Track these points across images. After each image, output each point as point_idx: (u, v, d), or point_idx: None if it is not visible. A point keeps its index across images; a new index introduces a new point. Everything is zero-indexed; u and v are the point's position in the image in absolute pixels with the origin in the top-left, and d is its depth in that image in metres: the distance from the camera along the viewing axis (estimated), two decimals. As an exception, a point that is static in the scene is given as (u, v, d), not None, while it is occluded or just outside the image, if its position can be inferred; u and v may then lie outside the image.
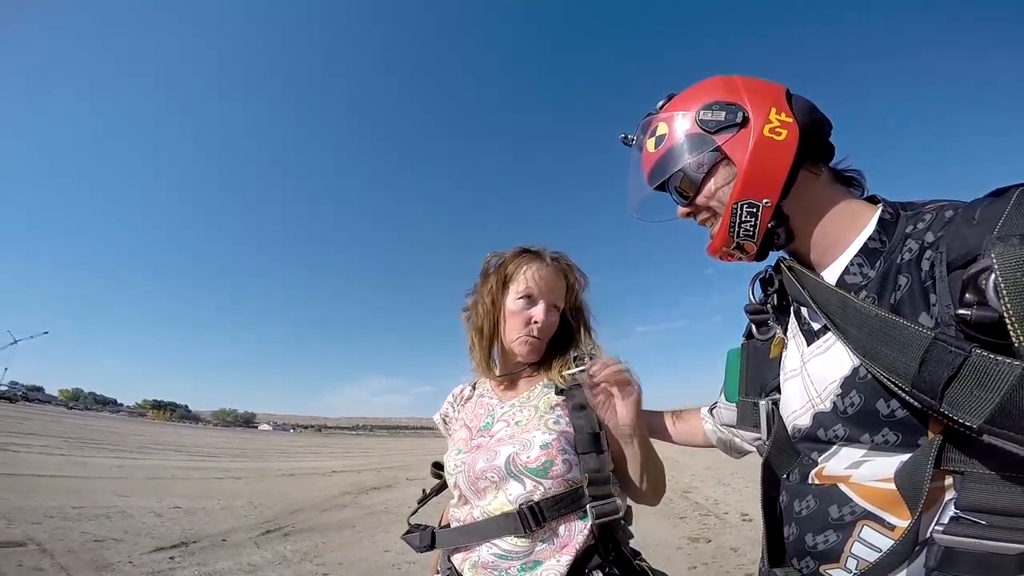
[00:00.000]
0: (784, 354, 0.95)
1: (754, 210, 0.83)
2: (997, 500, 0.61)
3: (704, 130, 0.86)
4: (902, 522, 0.68)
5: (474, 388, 1.36)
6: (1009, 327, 0.54)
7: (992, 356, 0.55)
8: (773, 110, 0.82)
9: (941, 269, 0.66)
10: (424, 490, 1.35)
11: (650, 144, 0.94)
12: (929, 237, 0.71)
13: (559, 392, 1.16)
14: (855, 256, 0.80)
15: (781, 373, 0.94)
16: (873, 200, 0.86)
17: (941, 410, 0.59)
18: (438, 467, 1.30)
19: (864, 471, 0.73)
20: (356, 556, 5.07)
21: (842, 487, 0.75)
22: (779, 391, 0.94)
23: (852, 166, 0.89)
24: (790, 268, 0.89)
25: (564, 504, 1.02)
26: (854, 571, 0.72)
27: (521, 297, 1.21)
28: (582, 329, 1.29)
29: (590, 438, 1.07)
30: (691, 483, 10.24)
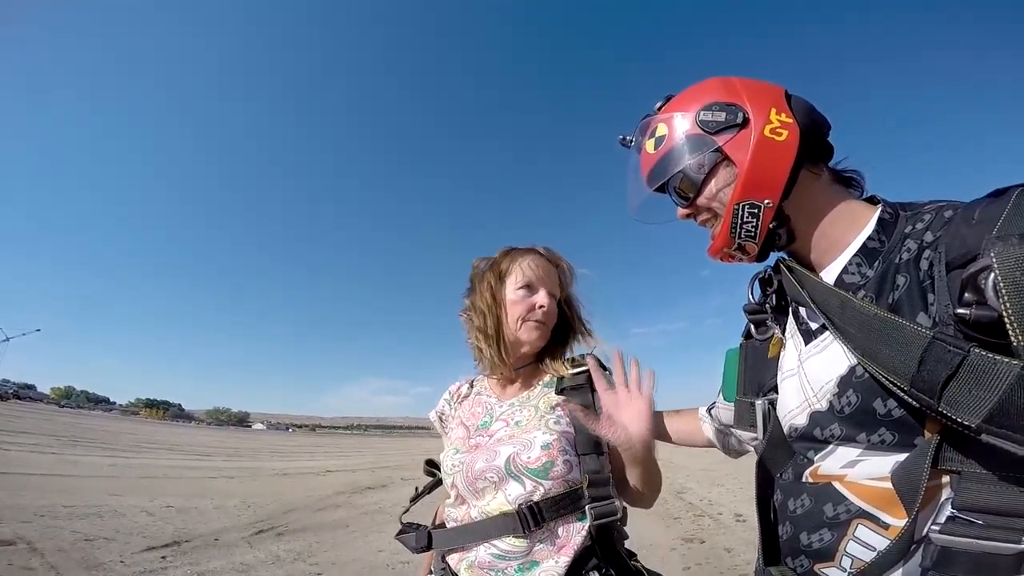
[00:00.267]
0: (782, 354, 0.95)
1: (756, 211, 0.83)
2: (994, 500, 0.61)
3: (704, 131, 0.85)
4: (897, 521, 0.68)
5: (471, 386, 1.35)
6: (1008, 326, 0.54)
7: (990, 355, 0.55)
8: (773, 111, 0.82)
9: (940, 269, 0.66)
10: (417, 488, 1.34)
11: (649, 145, 0.94)
12: (928, 237, 0.71)
13: (559, 392, 1.16)
14: (854, 256, 0.80)
15: (779, 373, 0.94)
16: (873, 200, 0.86)
17: (939, 409, 0.59)
18: (432, 465, 1.30)
19: (860, 470, 0.73)
20: (350, 556, 5.06)
21: (837, 486, 0.75)
22: (777, 391, 0.94)
23: (851, 166, 0.89)
24: (790, 268, 0.89)
25: (563, 505, 1.02)
26: (849, 570, 0.72)
27: (521, 287, 1.21)
28: (576, 320, 1.30)
29: (590, 439, 1.07)
30: (685, 484, 10.27)
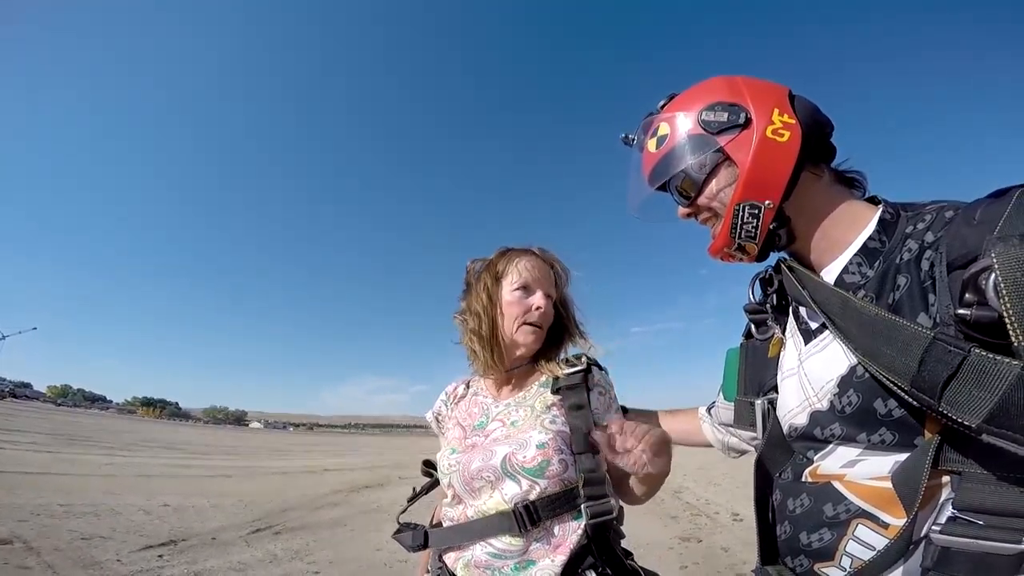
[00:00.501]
0: (782, 353, 0.95)
1: (756, 211, 0.83)
2: (994, 500, 0.61)
3: (706, 131, 0.85)
4: (897, 521, 0.68)
5: (468, 386, 1.35)
6: (1008, 327, 0.54)
7: (991, 356, 0.55)
8: (776, 111, 0.82)
9: (941, 269, 0.66)
10: (414, 488, 1.34)
11: (651, 144, 0.94)
12: (929, 237, 0.71)
13: (555, 391, 1.16)
14: (855, 256, 0.80)
15: (779, 372, 0.94)
16: (874, 201, 0.86)
17: (940, 409, 0.59)
18: (429, 465, 1.30)
19: (859, 470, 0.73)
20: (347, 555, 5.05)
21: (836, 485, 0.75)
22: (777, 390, 0.94)
23: (853, 167, 0.89)
24: (790, 268, 0.89)
25: (559, 504, 1.02)
26: (848, 569, 0.72)
27: (517, 288, 1.21)
28: (570, 321, 1.30)
29: (586, 438, 1.07)
30: (683, 483, 10.28)
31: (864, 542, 0.71)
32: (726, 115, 0.84)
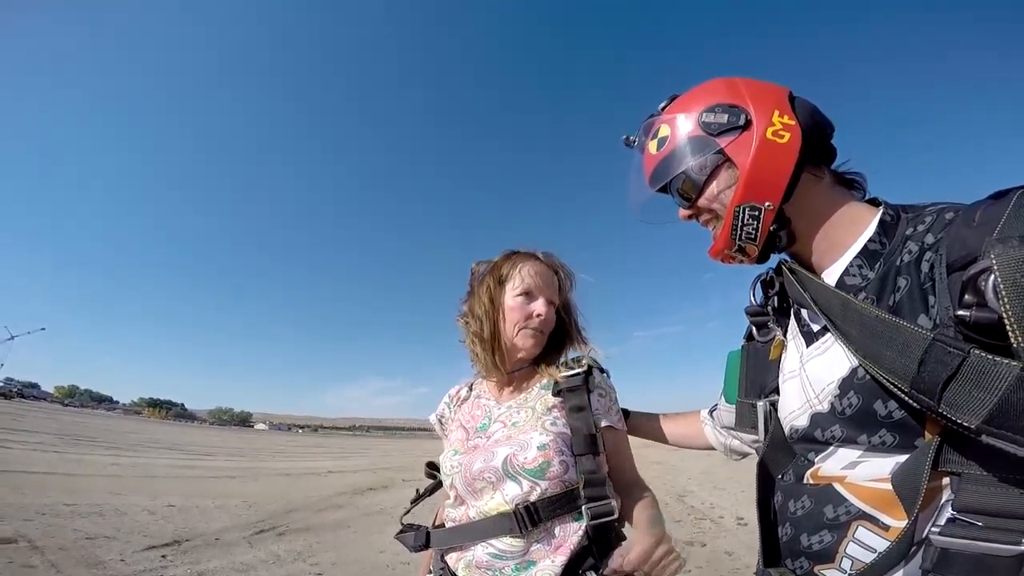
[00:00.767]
0: (784, 356, 0.95)
1: (756, 213, 0.83)
2: (994, 501, 0.61)
3: (707, 132, 0.85)
4: (897, 523, 0.68)
5: (471, 389, 1.36)
6: (1008, 328, 0.54)
7: (990, 357, 0.55)
8: (776, 112, 0.82)
9: (941, 271, 0.66)
10: (417, 490, 1.34)
11: (652, 146, 0.94)
12: (929, 239, 0.71)
13: (556, 393, 1.16)
14: (855, 258, 0.80)
15: (780, 374, 0.94)
16: (874, 202, 0.86)
17: (939, 410, 0.59)
18: (432, 467, 1.30)
19: (860, 471, 0.73)
20: (351, 556, 5.06)
21: (837, 487, 0.75)
22: (778, 393, 0.94)
23: (853, 168, 0.89)
24: (791, 270, 0.89)
25: (560, 505, 1.03)
26: (849, 571, 0.72)
27: (520, 294, 1.22)
28: (572, 327, 1.30)
29: (586, 439, 1.07)
30: (687, 487, 10.24)
31: (864, 544, 0.71)
32: (726, 117, 0.84)
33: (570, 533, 1.02)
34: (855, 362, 0.73)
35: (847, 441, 0.75)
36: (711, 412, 1.26)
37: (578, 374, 1.17)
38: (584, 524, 1.01)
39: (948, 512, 0.64)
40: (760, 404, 0.97)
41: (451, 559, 1.10)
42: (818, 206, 0.85)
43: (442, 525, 1.19)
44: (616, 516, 1.05)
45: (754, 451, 1.07)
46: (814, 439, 0.80)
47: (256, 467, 15.33)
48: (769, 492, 0.90)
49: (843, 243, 0.82)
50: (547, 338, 1.26)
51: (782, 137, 0.81)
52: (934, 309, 0.66)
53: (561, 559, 0.99)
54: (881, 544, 0.69)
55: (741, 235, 0.86)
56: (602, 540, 1.03)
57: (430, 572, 1.18)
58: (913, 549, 0.66)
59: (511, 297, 1.22)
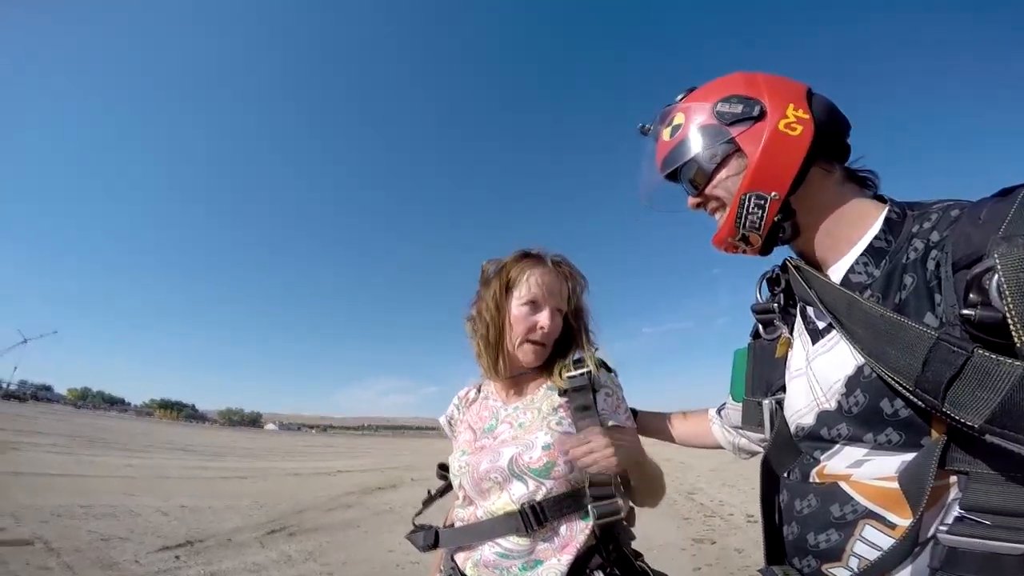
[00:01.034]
0: (790, 353, 0.95)
1: (762, 202, 0.83)
2: (1001, 500, 0.61)
3: (720, 121, 0.86)
4: (904, 521, 0.68)
5: (479, 391, 1.37)
6: (1012, 327, 0.54)
7: (994, 356, 0.55)
8: (791, 106, 0.82)
9: (947, 269, 0.66)
10: (429, 491, 1.36)
11: (666, 133, 0.95)
12: (935, 236, 0.71)
13: (562, 394, 1.17)
14: (860, 255, 0.80)
15: (787, 372, 0.94)
16: (881, 199, 0.86)
17: (943, 410, 0.59)
18: (444, 469, 1.31)
19: (866, 470, 0.73)
20: (360, 556, 5.09)
21: (843, 486, 0.75)
22: (785, 391, 0.94)
23: (867, 166, 0.89)
24: (797, 268, 0.89)
25: (566, 504, 1.03)
26: (856, 570, 0.72)
27: (525, 303, 1.21)
28: (582, 331, 1.29)
29: None
30: (696, 484, 10.20)
31: (871, 543, 0.71)
32: (740, 107, 0.84)
33: (576, 532, 1.03)
34: (861, 360, 0.73)
35: (853, 439, 0.75)
36: (719, 411, 1.25)
37: (582, 374, 1.17)
38: (591, 523, 1.02)
39: (956, 511, 0.64)
40: (766, 402, 0.97)
41: (459, 558, 1.11)
42: (825, 200, 0.85)
43: (452, 525, 1.20)
44: (623, 515, 1.05)
45: (762, 450, 1.07)
46: (820, 437, 0.80)
47: (266, 467, 15.42)
48: (774, 490, 0.90)
49: (848, 239, 0.82)
50: (551, 347, 1.25)
51: (794, 130, 0.81)
52: (940, 307, 0.66)
53: (567, 558, 1.00)
54: (888, 543, 0.69)
55: (745, 223, 0.86)
56: (609, 540, 1.04)
57: (440, 571, 1.19)
58: (920, 548, 0.66)
59: (516, 306, 1.21)
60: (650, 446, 1.26)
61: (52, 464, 9.76)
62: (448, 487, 1.31)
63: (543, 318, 1.21)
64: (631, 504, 1.15)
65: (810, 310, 0.89)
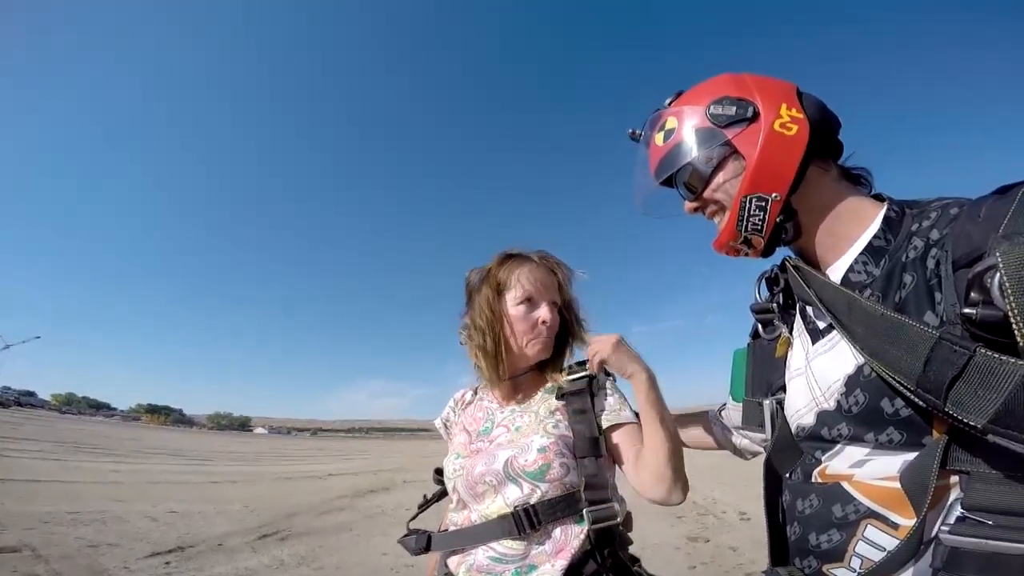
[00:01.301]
0: (790, 353, 0.94)
1: (763, 204, 0.83)
2: (1004, 500, 0.61)
3: (714, 124, 0.85)
4: (906, 521, 0.67)
5: (475, 393, 1.36)
6: (1014, 326, 0.54)
7: (996, 356, 0.54)
8: (784, 106, 0.82)
9: (947, 267, 0.66)
10: (425, 495, 1.34)
11: (658, 138, 0.94)
12: (934, 235, 0.71)
13: (559, 397, 1.16)
14: (860, 254, 0.80)
15: (786, 372, 0.94)
16: (879, 198, 0.86)
17: (945, 410, 0.59)
18: (440, 473, 1.30)
19: (868, 470, 0.73)
20: (353, 560, 5.05)
21: (845, 486, 0.75)
22: (785, 391, 0.93)
23: (858, 164, 0.89)
24: (796, 267, 0.89)
25: (560, 508, 1.02)
26: (858, 570, 0.72)
27: (521, 302, 1.20)
28: (575, 324, 1.29)
29: (588, 442, 1.07)
30: (690, 482, 10.25)
31: (874, 543, 0.71)
32: (734, 109, 0.84)
33: (571, 537, 1.01)
34: (861, 360, 0.73)
35: (854, 439, 0.75)
36: (720, 411, 1.25)
37: (582, 377, 1.16)
38: (586, 528, 1.00)
39: (957, 511, 0.64)
40: (767, 402, 0.97)
41: (452, 562, 1.09)
42: (824, 199, 0.85)
43: (446, 529, 1.18)
44: (619, 520, 1.03)
45: (763, 450, 1.06)
46: (821, 437, 0.80)
47: (257, 471, 15.30)
48: (776, 491, 0.90)
49: (848, 238, 0.82)
50: (554, 340, 1.24)
51: (790, 129, 0.81)
52: (940, 306, 0.66)
53: (562, 563, 0.98)
54: (890, 543, 0.68)
55: (747, 226, 0.86)
56: (605, 545, 1.02)
57: (435, 575, 1.18)
58: (922, 548, 0.66)
59: (513, 307, 1.20)
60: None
61: (38, 470, 9.61)
62: (444, 492, 1.29)
63: (543, 313, 1.20)
64: (629, 508, 1.13)
65: (810, 310, 0.89)
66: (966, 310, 0.59)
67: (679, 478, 1.03)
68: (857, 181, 0.89)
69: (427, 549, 1.16)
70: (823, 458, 0.80)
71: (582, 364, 1.21)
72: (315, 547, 5.50)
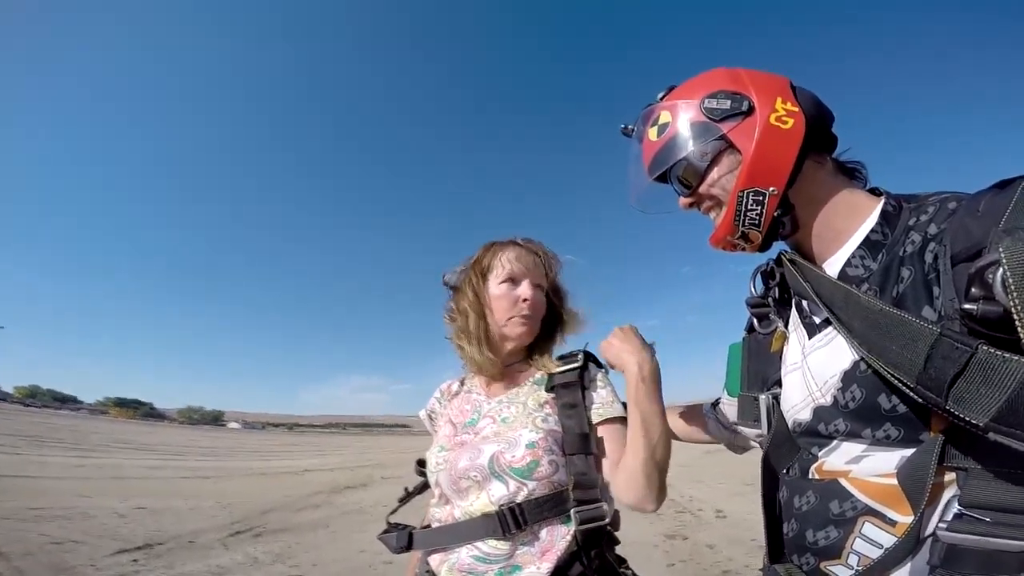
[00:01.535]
0: (786, 348, 0.94)
1: (760, 198, 0.82)
2: (1001, 497, 0.60)
3: (709, 118, 0.84)
4: (904, 518, 0.67)
5: (462, 384, 1.33)
6: (1017, 322, 0.53)
7: (999, 353, 0.53)
8: (779, 99, 0.81)
9: (945, 262, 0.65)
10: (406, 488, 1.31)
11: (652, 133, 0.92)
12: (932, 229, 0.70)
13: (549, 389, 1.14)
14: (857, 248, 0.79)
15: (782, 367, 0.93)
16: (876, 192, 0.86)
17: (947, 407, 0.58)
18: (422, 464, 1.27)
19: (865, 466, 0.73)
20: (330, 557, 4.99)
21: (842, 482, 0.74)
22: (781, 385, 0.93)
23: (853, 158, 0.89)
24: (792, 261, 0.88)
25: (547, 507, 0.99)
26: (855, 567, 0.71)
27: (504, 281, 1.19)
28: (563, 309, 1.28)
29: (578, 439, 1.04)
30: (668, 480, 10.38)
31: (871, 540, 0.70)
32: (729, 103, 0.83)
33: (558, 538, 0.99)
34: (858, 355, 0.72)
35: (851, 435, 0.74)
36: (714, 406, 1.25)
37: (573, 369, 1.14)
38: (573, 529, 0.98)
39: (955, 508, 0.64)
40: (763, 397, 0.96)
41: (434, 561, 1.06)
42: (821, 193, 0.84)
43: (428, 525, 1.15)
44: (607, 521, 1.01)
45: (758, 445, 1.06)
46: (817, 433, 0.79)
47: (230, 467, 15.05)
48: (774, 487, 0.89)
49: (845, 232, 0.82)
50: (539, 324, 1.22)
51: (785, 123, 0.80)
52: (939, 301, 0.65)
53: (547, 565, 0.96)
54: (888, 540, 0.68)
55: (744, 221, 0.85)
56: (592, 546, 0.99)
57: (416, 574, 1.15)
58: (920, 545, 0.65)
59: (495, 286, 1.19)
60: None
61: (0, 465, 9.30)
62: (426, 484, 1.26)
63: (524, 290, 1.18)
64: (617, 507, 1.10)
65: (806, 304, 0.88)
66: (967, 306, 0.58)
67: (653, 487, 0.97)
68: (852, 175, 0.88)
69: (408, 547, 1.13)
70: (820, 454, 0.80)
71: (573, 355, 1.19)
72: (291, 544, 5.43)
